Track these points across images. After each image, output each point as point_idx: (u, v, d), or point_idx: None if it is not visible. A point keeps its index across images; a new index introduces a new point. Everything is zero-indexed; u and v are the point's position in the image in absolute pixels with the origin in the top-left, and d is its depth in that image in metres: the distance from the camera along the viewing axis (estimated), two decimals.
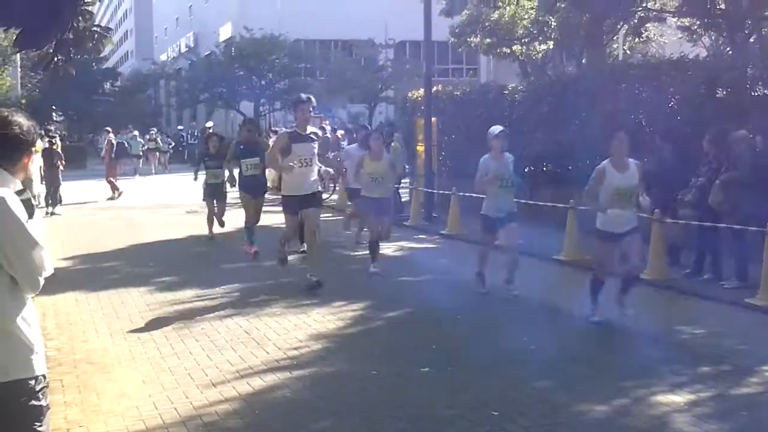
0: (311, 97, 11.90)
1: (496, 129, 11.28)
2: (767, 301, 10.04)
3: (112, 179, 27.97)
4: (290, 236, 12.40)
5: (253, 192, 15.23)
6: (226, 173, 16.41)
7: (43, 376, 3.86)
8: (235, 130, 54.47)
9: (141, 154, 40.73)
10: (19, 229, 3.65)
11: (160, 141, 45.71)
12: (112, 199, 27.06)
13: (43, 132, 24.82)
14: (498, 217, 11.01)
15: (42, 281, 3.78)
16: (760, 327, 9.54)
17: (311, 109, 11.64)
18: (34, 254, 3.69)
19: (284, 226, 12.27)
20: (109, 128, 36.10)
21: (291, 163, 11.30)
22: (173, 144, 50.52)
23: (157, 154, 44.15)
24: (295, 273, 12.40)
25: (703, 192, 11.43)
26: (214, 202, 17.09)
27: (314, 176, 11.74)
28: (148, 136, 44.91)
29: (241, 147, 15.23)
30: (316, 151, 11.60)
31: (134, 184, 34.20)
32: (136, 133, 43.37)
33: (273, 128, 38.19)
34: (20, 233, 3.66)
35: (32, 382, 3.77)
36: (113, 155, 28.76)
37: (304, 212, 11.63)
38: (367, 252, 13.07)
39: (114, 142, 29.93)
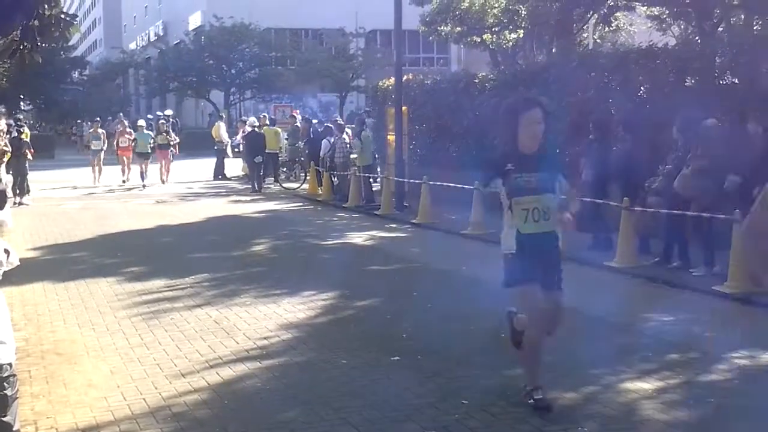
0: None
1: None
2: (735, 289, 10.11)
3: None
4: None
5: None
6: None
7: (9, 365, 3.80)
8: (204, 120, 54.29)
9: (150, 151, 28.62)
10: None
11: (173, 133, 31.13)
12: None
13: (12, 121, 24.61)
14: None
15: None
16: (728, 314, 9.61)
17: None
18: None
19: None
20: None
21: None
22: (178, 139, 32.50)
23: (170, 152, 29.37)
24: None
25: (670, 179, 11.49)
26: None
27: None
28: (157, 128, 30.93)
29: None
30: None
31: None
32: (142, 123, 31.67)
33: (243, 118, 38.00)
34: None
35: None
36: None
37: None
38: (339, 241, 12.84)
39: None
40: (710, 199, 10.93)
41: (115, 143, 29.60)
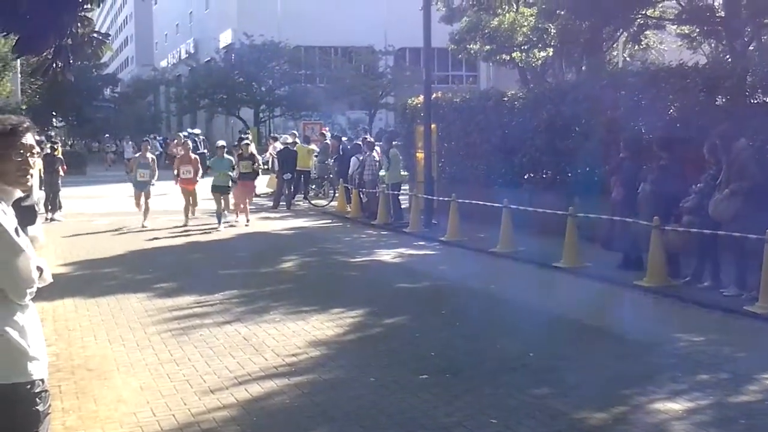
0: None
1: None
2: (766, 309, 10.02)
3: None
4: None
5: None
6: None
7: (42, 380, 3.83)
8: (235, 136, 54.76)
9: (230, 184, 20.52)
10: (1, 236, 3.63)
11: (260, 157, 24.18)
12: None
13: (44, 138, 24.83)
14: None
15: (28, 291, 3.73)
16: (759, 335, 9.52)
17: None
18: (17, 263, 3.65)
19: None
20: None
21: None
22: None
23: (255, 184, 22.31)
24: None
25: (702, 197, 11.40)
26: None
27: None
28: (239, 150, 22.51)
29: None
30: None
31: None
32: (222, 143, 22.41)
33: (273, 135, 38.18)
34: (2, 241, 3.63)
35: (28, 386, 3.75)
36: None
37: None
38: (367, 258, 12.89)
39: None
40: (747, 224, 10.74)
41: (175, 171, 21.84)
